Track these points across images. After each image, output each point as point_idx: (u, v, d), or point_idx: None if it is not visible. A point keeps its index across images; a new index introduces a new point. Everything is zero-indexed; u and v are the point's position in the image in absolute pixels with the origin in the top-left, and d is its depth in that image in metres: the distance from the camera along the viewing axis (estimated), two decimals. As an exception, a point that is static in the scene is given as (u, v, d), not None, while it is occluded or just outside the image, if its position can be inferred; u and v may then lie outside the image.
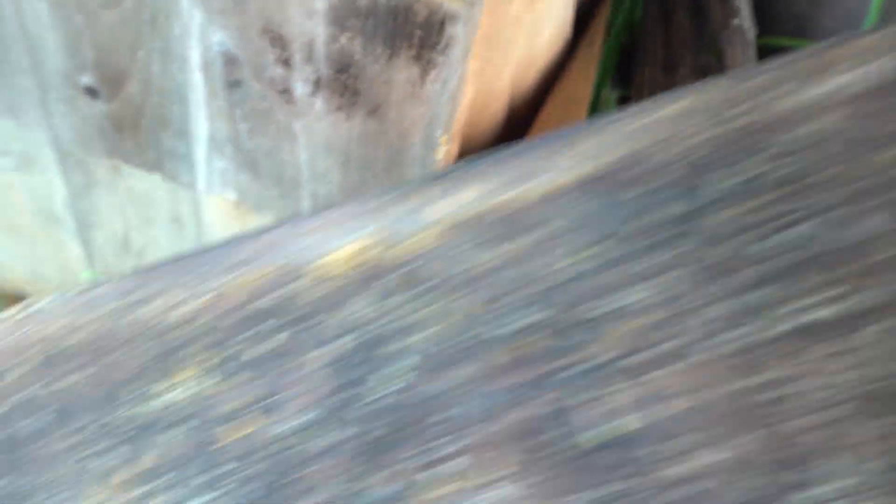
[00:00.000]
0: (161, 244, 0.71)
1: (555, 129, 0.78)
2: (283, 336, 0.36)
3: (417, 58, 0.47)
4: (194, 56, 0.53)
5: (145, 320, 0.38)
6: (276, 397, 0.35)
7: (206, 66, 0.53)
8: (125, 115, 0.60)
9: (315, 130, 0.54)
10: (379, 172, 0.55)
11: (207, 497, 0.34)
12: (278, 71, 0.51)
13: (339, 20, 0.47)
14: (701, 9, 1.14)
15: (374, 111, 0.51)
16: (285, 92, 0.52)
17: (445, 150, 0.52)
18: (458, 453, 0.32)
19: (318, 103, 0.52)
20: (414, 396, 0.33)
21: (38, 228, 0.76)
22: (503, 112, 0.80)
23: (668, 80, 1.06)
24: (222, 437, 0.35)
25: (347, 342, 0.35)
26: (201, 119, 0.57)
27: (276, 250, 0.39)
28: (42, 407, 0.37)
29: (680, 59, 1.07)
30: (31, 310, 0.43)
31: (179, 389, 0.36)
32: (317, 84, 0.51)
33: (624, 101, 1.05)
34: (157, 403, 0.36)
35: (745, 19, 0.87)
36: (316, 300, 0.36)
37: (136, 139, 0.62)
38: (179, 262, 0.40)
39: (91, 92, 0.59)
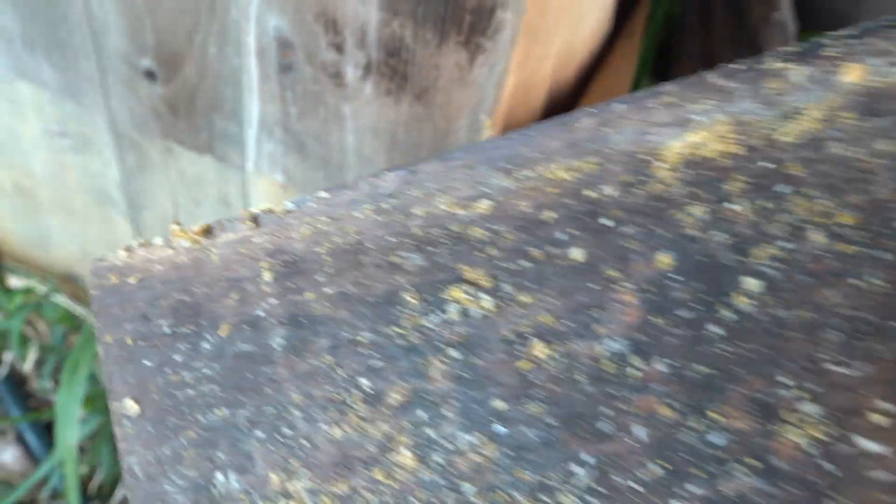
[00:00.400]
0: (208, 225, 0.74)
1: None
2: (585, 245, 0.31)
3: (466, 43, 0.48)
4: (250, 40, 0.55)
5: (430, 219, 0.35)
6: (591, 312, 0.30)
7: (261, 50, 0.55)
8: (180, 98, 0.62)
9: (363, 114, 0.56)
10: (424, 156, 0.57)
11: (508, 420, 0.31)
12: (330, 55, 0.53)
13: (391, 5, 0.48)
14: (740, 4, 1.14)
15: (422, 95, 0.53)
16: (336, 76, 0.54)
17: (490, 133, 0.53)
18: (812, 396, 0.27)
19: (368, 87, 0.54)
20: (762, 323, 0.28)
21: (91, 208, 0.79)
22: (542, 105, 0.81)
23: (707, 75, 1.06)
24: (525, 355, 0.31)
25: (676, 256, 0.29)
26: (253, 102, 0.59)
27: (577, 145, 0.33)
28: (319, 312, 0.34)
29: (719, 55, 1.07)
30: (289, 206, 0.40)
31: (471, 301, 0.32)
32: (367, 68, 0.52)
33: (661, 95, 1.05)
34: (445, 315, 0.33)
35: (786, 14, 0.87)
36: (639, 203, 0.31)
37: (189, 121, 0.64)
38: (442, 162, 0.36)
39: (149, 75, 0.62)
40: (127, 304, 0.38)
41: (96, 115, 0.68)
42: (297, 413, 0.34)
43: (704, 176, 0.30)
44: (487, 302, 0.32)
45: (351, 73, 0.53)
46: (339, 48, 0.52)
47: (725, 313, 0.28)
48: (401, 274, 0.34)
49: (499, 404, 0.31)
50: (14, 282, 0.91)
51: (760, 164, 0.29)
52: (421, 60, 0.50)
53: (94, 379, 0.81)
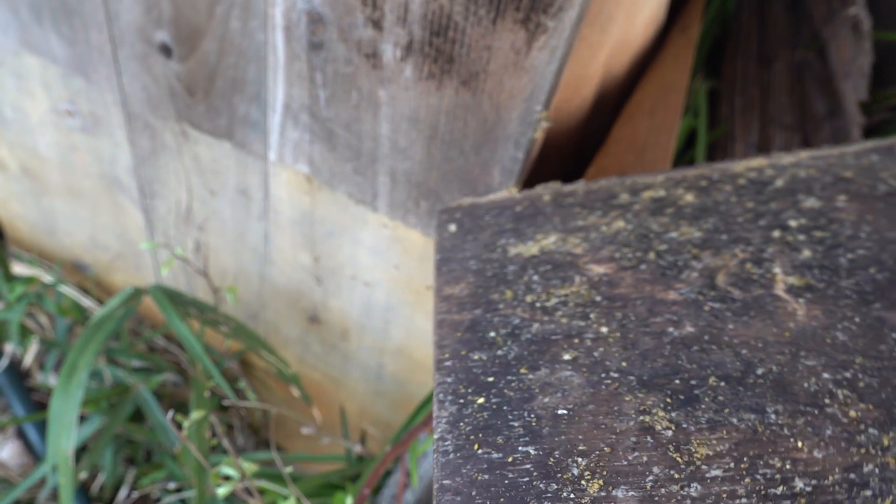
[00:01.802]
0: (224, 217, 0.68)
1: (648, 115, 0.73)
2: None
3: (525, 21, 0.42)
4: (277, 13, 0.49)
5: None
6: None
7: (289, 26, 0.49)
8: (198, 77, 0.56)
9: (401, 100, 0.49)
10: (467, 150, 0.50)
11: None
12: (367, 32, 0.47)
13: (440, -24, 0.42)
14: (800, 1, 1.06)
15: (469, 81, 0.46)
16: (373, 56, 0.48)
17: (545, 128, 0.47)
18: None
19: (408, 69, 0.47)
20: None
21: (100, 193, 0.74)
22: (593, 97, 0.74)
23: (763, 74, 0.98)
24: None
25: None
26: (279, 83, 0.53)
27: None
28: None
29: (775, 54, 0.99)
30: None
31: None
32: (408, 48, 0.46)
33: (714, 93, 0.98)
34: None
35: (860, 10, 0.80)
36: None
37: (207, 103, 0.58)
38: None
39: (165, 50, 0.56)
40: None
41: (107, 92, 0.62)
42: None
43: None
44: None
45: (389, 53, 0.47)
46: (377, 24, 0.46)
47: None
48: None
49: None
50: (20, 269, 0.86)
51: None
52: (471, 40, 0.44)
53: (96, 377, 0.76)
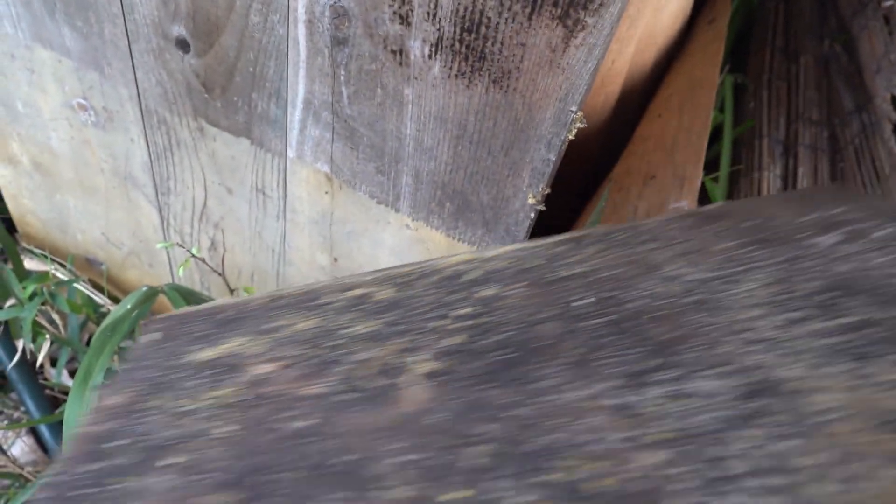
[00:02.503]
0: (241, 216, 0.66)
1: (677, 112, 0.70)
2: None
3: (563, 17, 0.40)
4: (299, 7, 0.47)
5: None
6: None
7: (312, 20, 0.47)
8: (216, 72, 0.55)
9: (428, 98, 0.48)
10: (496, 150, 0.48)
11: None
12: (395, 28, 0.45)
13: (473, -31, 0.40)
14: (830, -8, 1.03)
15: (501, 79, 0.44)
16: (399, 52, 0.46)
17: (578, 129, 0.45)
18: None
19: (436, 67, 0.45)
20: None
21: (114, 190, 0.72)
22: (618, 92, 0.72)
23: (791, 67, 0.95)
24: None
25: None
26: (300, 79, 0.51)
27: None
28: None
29: (803, 47, 0.96)
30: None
31: None
32: (437, 45, 0.44)
33: (740, 87, 0.96)
34: None
35: (894, 2, 0.77)
36: None
37: (225, 98, 0.56)
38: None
39: (182, 44, 0.54)
40: None
41: (121, 87, 0.60)
42: None
43: None
44: None
45: (417, 49, 0.45)
46: (405, 20, 0.44)
47: None
48: None
49: None
50: (31, 265, 0.85)
51: None
52: (504, 37, 0.42)
53: (108, 374, 0.75)
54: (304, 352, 0.36)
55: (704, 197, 0.86)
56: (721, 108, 0.90)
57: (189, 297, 0.61)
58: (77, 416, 0.51)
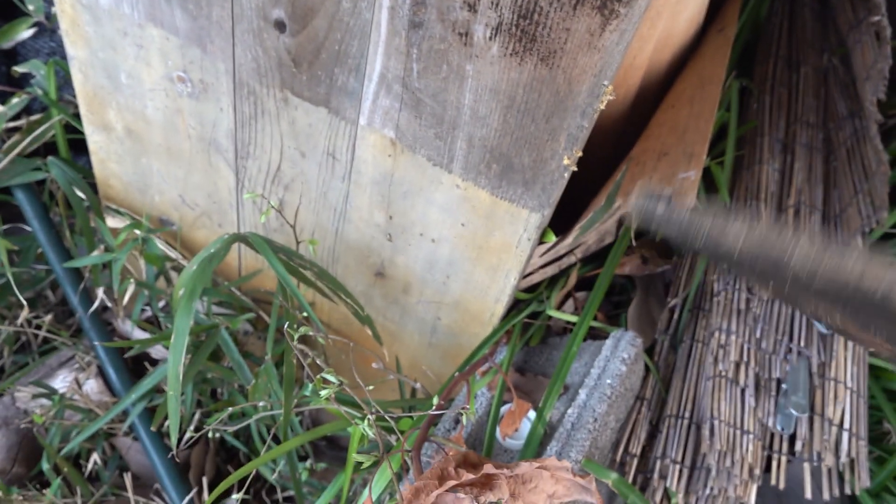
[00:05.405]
0: (310, 177, 0.77)
1: (688, 102, 0.81)
2: None
3: (602, 7, 0.50)
4: (385, -4, 0.58)
5: None
6: None
7: (394, 6, 0.58)
8: (306, 50, 0.66)
9: (486, 73, 0.58)
10: (539, 118, 0.59)
11: None
12: (463, 14, 0.56)
13: (531, -32, 0.51)
14: (828, 8, 1.14)
15: (547, 58, 0.55)
16: (465, 35, 0.57)
17: (609, 99, 0.56)
18: None
19: (495, 47, 0.56)
20: None
21: (198, 154, 0.83)
22: (637, 87, 0.83)
23: (792, 76, 1.06)
24: None
25: None
26: (378, 56, 0.62)
27: None
28: None
29: (804, 58, 1.07)
30: None
31: None
32: (497, 28, 0.55)
33: (744, 91, 1.07)
34: None
35: (883, 17, 0.88)
36: None
37: (311, 73, 0.67)
38: None
39: (279, 25, 0.65)
40: None
41: (220, 62, 0.72)
42: None
43: None
44: None
45: (480, 32, 0.56)
46: (472, 7, 0.55)
47: None
48: None
49: None
50: (112, 222, 0.96)
51: None
52: (552, 23, 0.53)
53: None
54: None
55: (711, 185, 0.96)
56: (727, 108, 1.01)
57: (269, 243, 0.72)
58: (185, 327, 0.62)
